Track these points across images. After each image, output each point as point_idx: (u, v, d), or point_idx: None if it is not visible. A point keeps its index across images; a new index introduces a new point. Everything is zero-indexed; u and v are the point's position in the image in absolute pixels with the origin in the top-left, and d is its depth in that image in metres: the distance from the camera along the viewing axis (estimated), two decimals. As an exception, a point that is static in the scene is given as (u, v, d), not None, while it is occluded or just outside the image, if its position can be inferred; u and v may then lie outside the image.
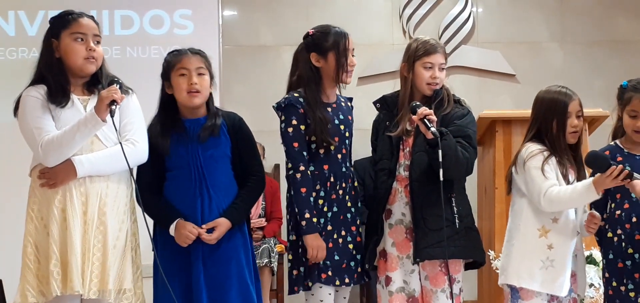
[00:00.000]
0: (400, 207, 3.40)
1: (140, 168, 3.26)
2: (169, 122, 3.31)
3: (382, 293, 3.44)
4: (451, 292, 3.33)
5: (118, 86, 3.14)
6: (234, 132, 3.35)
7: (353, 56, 3.40)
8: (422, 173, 3.33)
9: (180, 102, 3.31)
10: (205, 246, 3.23)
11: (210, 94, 3.35)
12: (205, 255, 3.24)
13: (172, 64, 3.30)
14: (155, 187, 3.30)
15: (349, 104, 3.53)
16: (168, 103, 3.35)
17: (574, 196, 3.26)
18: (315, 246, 3.27)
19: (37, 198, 3.13)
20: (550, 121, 3.37)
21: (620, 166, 3.15)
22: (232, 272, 3.26)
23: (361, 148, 3.54)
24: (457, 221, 3.32)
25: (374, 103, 3.55)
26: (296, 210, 3.30)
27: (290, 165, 3.33)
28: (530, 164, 3.34)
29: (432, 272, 3.36)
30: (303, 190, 3.29)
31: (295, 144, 3.32)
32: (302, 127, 3.32)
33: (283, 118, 3.36)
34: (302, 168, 3.30)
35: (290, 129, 3.33)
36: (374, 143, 3.55)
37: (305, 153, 3.32)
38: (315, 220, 3.28)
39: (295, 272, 3.38)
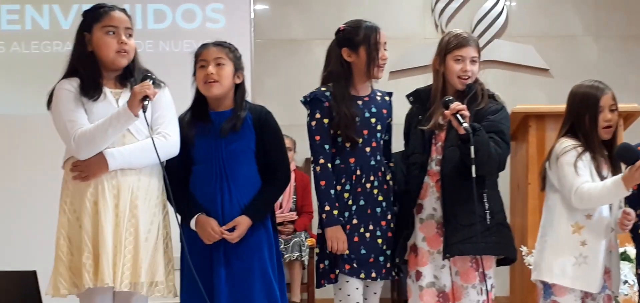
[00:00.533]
0: (431, 202, 3.38)
1: (169, 160, 3.27)
2: (197, 114, 3.34)
3: (413, 287, 3.42)
4: (483, 289, 3.30)
5: (151, 80, 3.16)
6: (259, 125, 3.34)
7: (385, 50, 3.40)
8: (453, 168, 3.31)
9: (205, 95, 3.33)
10: (227, 242, 3.23)
11: (239, 86, 3.35)
12: (228, 251, 3.24)
13: (196, 56, 3.35)
14: (182, 180, 3.31)
15: (386, 98, 3.51)
16: (200, 97, 3.37)
17: (603, 192, 3.23)
18: (335, 238, 3.27)
19: (70, 190, 3.16)
20: (583, 116, 3.34)
21: None
22: (255, 267, 3.26)
23: (392, 142, 3.53)
24: (488, 217, 3.30)
25: (407, 96, 3.54)
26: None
27: (312, 158, 3.36)
28: (563, 160, 3.30)
29: (463, 267, 3.34)
30: (322, 183, 3.31)
31: (317, 138, 3.34)
32: (326, 120, 3.33)
33: (308, 111, 3.39)
34: (321, 161, 3.32)
35: (313, 123, 3.35)
36: (407, 136, 3.53)
37: (327, 146, 3.33)
38: (336, 212, 3.29)
39: (321, 265, 3.40)
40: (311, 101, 3.37)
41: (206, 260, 3.25)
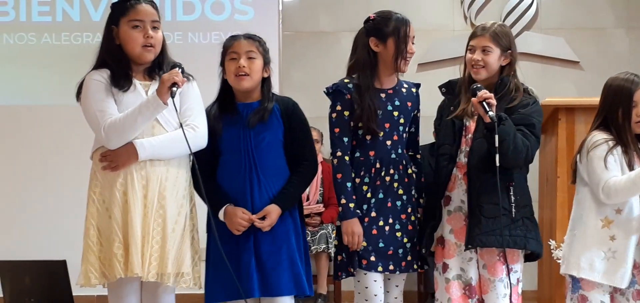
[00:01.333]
0: (459, 194, 3.37)
1: (196, 151, 3.28)
2: (225, 105, 3.35)
3: (439, 279, 3.41)
4: (509, 282, 3.29)
5: (180, 70, 3.17)
6: (287, 117, 3.35)
7: (413, 43, 3.38)
8: (480, 159, 3.29)
9: (233, 87, 3.34)
10: (256, 231, 3.25)
11: (266, 79, 3.36)
12: (257, 240, 3.26)
13: (226, 49, 3.34)
14: (209, 170, 3.32)
15: (413, 90, 3.48)
16: (226, 88, 3.38)
17: (628, 185, 3.20)
18: (350, 232, 3.27)
19: (99, 181, 3.18)
20: (615, 109, 3.30)
21: None
22: (284, 256, 3.28)
23: (420, 134, 3.52)
24: (513, 210, 3.28)
25: (440, 87, 3.52)
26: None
27: (331, 151, 3.37)
28: (593, 154, 3.27)
29: (490, 260, 3.32)
30: (339, 175, 3.31)
31: (336, 130, 3.34)
32: (347, 113, 3.32)
33: (330, 103, 3.38)
34: (339, 153, 3.32)
35: (333, 115, 3.35)
36: (438, 127, 3.52)
37: (345, 139, 3.33)
38: (352, 205, 3.28)
39: (339, 257, 3.39)
40: (333, 93, 3.37)
41: (234, 250, 3.26)
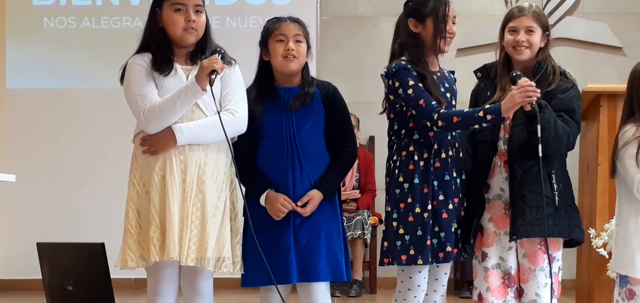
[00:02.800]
0: (498, 182, 3.32)
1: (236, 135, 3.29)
2: (264, 89, 3.34)
3: (478, 268, 3.37)
4: (550, 271, 3.25)
5: (220, 55, 3.17)
6: (328, 102, 3.35)
7: (454, 23, 3.31)
8: (520, 147, 3.25)
9: (276, 69, 3.32)
10: (296, 216, 3.25)
11: (306, 64, 3.35)
12: (296, 225, 3.26)
13: (271, 30, 3.31)
14: (249, 154, 3.32)
15: (452, 75, 3.44)
16: (265, 71, 3.36)
17: None
18: (520, 90, 3.10)
19: (139, 164, 3.20)
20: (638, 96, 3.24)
21: None
22: (322, 242, 3.27)
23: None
24: (557, 198, 3.23)
25: (475, 72, 3.48)
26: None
27: (428, 122, 3.19)
28: (623, 154, 3.21)
29: (531, 249, 3.28)
30: (455, 119, 3.15)
31: (421, 101, 3.20)
32: (421, 84, 3.22)
33: (397, 84, 3.24)
34: (436, 114, 3.15)
35: (410, 91, 3.21)
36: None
37: (434, 103, 3.19)
38: (487, 106, 3.18)
39: (386, 244, 3.33)
40: (397, 72, 3.24)
41: (272, 234, 3.26)
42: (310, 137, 3.30)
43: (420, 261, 3.22)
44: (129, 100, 3.19)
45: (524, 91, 3.10)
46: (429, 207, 3.24)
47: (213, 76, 3.07)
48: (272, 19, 3.36)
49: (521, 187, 3.23)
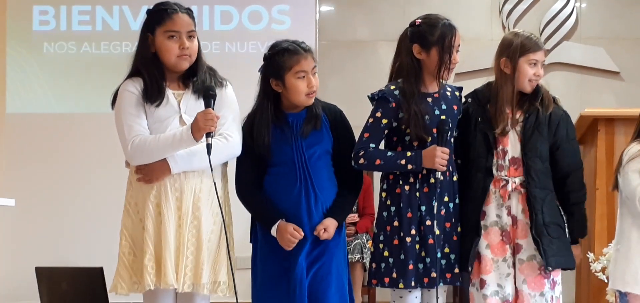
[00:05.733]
0: (494, 208, 3.32)
1: (241, 161, 3.26)
2: (273, 116, 3.26)
3: (476, 296, 3.36)
4: (553, 296, 3.29)
5: (213, 79, 3.17)
6: (335, 128, 3.32)
7: (457, 52, 3.29)
8: (540, 179, 3.28)
9: (292, 102, 3.26)
10: (306, 244, 3.22)
11: None
12: (307, 251, 3.23)
13: (288, 65, 3.20)
14: (257, 182, 3.28)
15: (457, 93, 3.40)
16: (272, 97, 3.28)
17: None
18: (435, 153, 3.18)
19: (134, 191, 3.20)
20: None
21: None
22: (333, 269, 3.26)
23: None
24: (566, 228, 3.35)
25: (466, 97, 3.45)
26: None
27: (353, 154, 3.26)
28: (627, 168, 3.24)
29: (531, 275, 3.28)
30: (377, 161, 3.23)
31: (366, 134, 3.27)
32: (385, 121, 3.26)
33: (373, 108, 3.31)
34: (362, 153, 3.24)
35: (370, 120, 3.29)
36: (462, 138, 3.41)
37: (372, 146, 3.25)
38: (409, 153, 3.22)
39: (374, 265, 3.33)
40: (377, 99, 3.30)
41: (283, 261, 3.22)
42: (321, 165, 3.27)
43: (401, 285, 3.23)
44: (118, 128, 3.18)
45: (444, 159, 3.17)
46: (413, 232, 3.24)
47: (209, 140, 3.04)
48: (284, 49, 3.23)
49: (544, 217, 3.26)
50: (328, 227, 3.24)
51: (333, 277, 3.25)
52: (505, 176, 3.31)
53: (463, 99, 3.45)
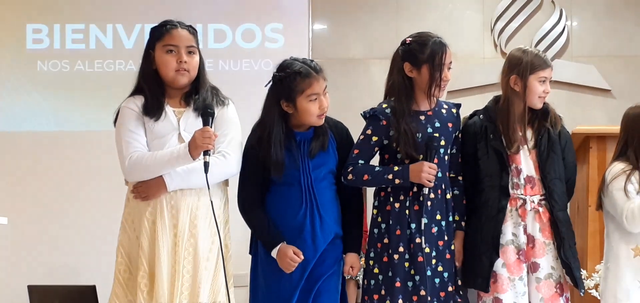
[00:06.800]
0: (511, 227, 3.32)
1: (245, 176, 3.26)
2: (283, 136, 3.23)
3: None
4: None
5: (215, 98, 3.18)
6: (341, 148, 3.31)
7: (449, 69, 3.29)
8: (561, 201, 3.33)
9: (303, 122, 3.24)
10: (312, 264, 3.21)
11: None
12: (313, 273, 3.23)
13: (300, 88, 3.17)
14: (260, 199, 3.26)
15: (453, 110, 3.39)
16: (281, 116, 3.24)
17: None
18: (422, 169, 3.21)
19: (131, 208, 3.21)
20: (634, 135, 3.31)
21: None
22: (334, 284, 3.27)
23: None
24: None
25: (478, 114, 3.43)
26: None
27: (344, 171, 3.29)
28: (612, 187, 3.28)
29: (548, 293, 3.31)
30: (365, 177, 3.25)
31: (356, 151, 3.29)
32: (375, 138, 3.28)
33: (364, 126, 3.33)
34: (351, 169, 3.26)
35: (361, 137, 3.31)
36: (469, 151, 3.40)
37: (361, 162, 3.27)
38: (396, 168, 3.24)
39: (365, 282, 3.36)
40: (369, 117, 3.32)
41: (285, 280, 3.21)
42: (326, 186, 3.27)
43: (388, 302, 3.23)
44: (117, 144, 3.20)
45: (431, 174, 3.18)
46: (402, 250, 3.24)
47: (207, 158, 3.04)
48: (297, 72, 3.19)
49: (569, 241, 3.32)
50: (353, 264, 3.29)
51: (332, 290, 3.26)
52: (522, 194, 3.32)
53: (471, 114, 3.47)
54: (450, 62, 3.30)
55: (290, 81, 3.19)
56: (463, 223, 3.38)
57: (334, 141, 3.30)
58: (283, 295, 3.21)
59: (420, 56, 3.25)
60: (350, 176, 3.27)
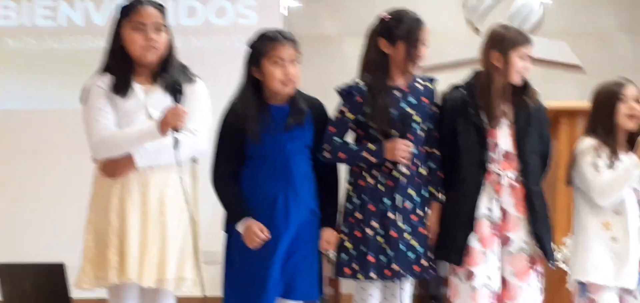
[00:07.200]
0: (485, 201, 3.33)
1: (219, 151, 3.26)
2: (257, 106, 3.24)
3: (461, 287, 3.35)
4: (539, 287, 3.37)
5: (184, 75, 3.17)
6: (317, 123, 3.30)
7: (425, 46, 3.30)
8: (536, 176, 3.34)
9: (270, 90, 3.25)
10: (287, 238, 3.21)
11: None
12: (289, 245, 3.22)
13: (265, 50, 3.21)
14: (233, 173, 3.25)
15: (429, 84, 3.38)
16: (254, 86, 3.26)
17: (618, 174, 3.26)
18: (396, 146, 3.22)
19: (100, 185, 3.19)
20: (602, 110, 3.36)
21: None
22: (311, 260, 3.27)
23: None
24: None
25: (462, 89, 3.41)
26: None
27: (321, 147, 3.30)
28: (582, 162, 3.34)
29: (519, 266, 3.33)
30: (341, 154, 3.26)
31: (332, 129, 3.29)
32: (351, 116, 3.28)
33: (339, 102, 3.33)
34: (327, 146, 3.27)
35: (337, 114, 3.31)
36: (447, 126, 3.39)
37: (337, 139, 3.28)
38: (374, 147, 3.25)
39: (338, 256, 3.35)
40: (343, 94, 3.32)
41: (261, 256, 3.19)
42: (301, 160, 3.26)
43: (360, 276, 3.25)
44: (85, 122, 3.18)
45: (405, 151, 3.19)
46: (375, 224, 3.25)
47: (176, 135, 3.03)
48: (265, 35, 3.26)
49: (542, 214, 3.33)
50: (329, 239, 3.28)
51: (310, 270, 3.27)
52: (498, 169, 3.33)
53: (451, 88, 3.46)
54: (427, 39, 3.31)
55: (257, 44, 3.25)
56: (439, 195, 3.38)
57: (311, 116, 3.29)
58: (259, 271, 3.20)
59: (396, 32, 3.26)
60: (327, 154, 3.28)
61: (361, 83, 3.31)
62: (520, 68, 3.31)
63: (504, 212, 3.33)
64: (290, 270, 3.22)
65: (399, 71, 3.31)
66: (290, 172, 3.22)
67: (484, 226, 3.32)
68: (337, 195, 3.38)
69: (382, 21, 3.31)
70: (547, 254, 3.31)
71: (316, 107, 3.34)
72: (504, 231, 3.33)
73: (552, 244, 4.03)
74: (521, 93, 3.34)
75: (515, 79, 3.32)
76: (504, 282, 3.34)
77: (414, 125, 3.29)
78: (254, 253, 3.19)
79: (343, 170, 3.41)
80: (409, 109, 3.29)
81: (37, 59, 6.22)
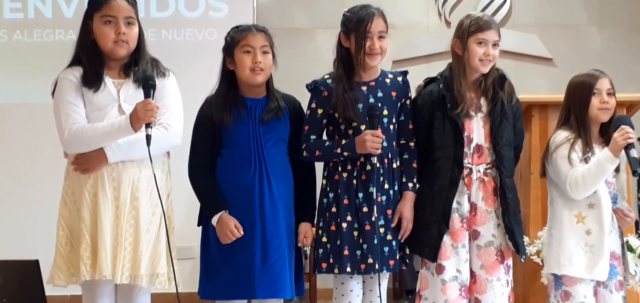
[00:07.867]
0: (456, 195, 3.34)
1: (195, 143, 3.26)
2: (231, 98, 3.28)
3: (431, 280, 3.37)
4: (508, 280, 3.37)
5: (155, 70, 3.15)
6: (294, 118, 3.33)
7: (381, 38, 3.28)
8: (509, 168, 3.35)
9: (241, 80, 3.28)
10: (264, 232, 3.21)
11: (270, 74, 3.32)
12: (267, 240, 3.22)
13: (237, 40, 3.27)
14: (209, 166, 3.26)
15: (399, 78, 3.39)
16: (229, 78, 3.31)
17: (592, 168, 3.28)
18: (366, 138, 3.20)
19: (71, 181, 3.16)
20: (576, 102, 3.39)
21: (629, 129, 3.21)
22: (288, 258, 3.26)
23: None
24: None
25: (438, 83, 3.39)
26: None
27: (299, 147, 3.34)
28: (556, 155, 3.36)
29: (488, 260, 3.34)
30: (317, 152, 3.29)
31: (306, 127, 3.33)
32: (320, 111, 3.31)
33: (309, 99, 3.36)
34: (305, 146, 3.31)
35: (308, 112, 3.34)
36: (424, 119, 3.38)
37: (313, 137, 3.31)
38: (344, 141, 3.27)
39: (314, 251, 3.37)
40: (311, 90, 3.35)
41: (235, 247, 3.20)
42: (276, 150, 3.28)
43: (336, 271, 3.26)
44: (55, 116, 3.15)
45: (375, 142, 3.19)
46: (349, 219, 3.27)
47: (149, 131, 3.01)
48: (238, 27, 3.32)
49: (514, 207, 3.34)
50: (306, 233, 3.30)
51: (288, 268, 3.26)
52: (469, 163, 3.34)
53: (426, 82, 3.47)
54: (381, 31, 3.29)
55: (230, 36, 3.30)
56: (413, 185, 3.36)
57: (288, 111, 3.32)
58: (242, 266, 3.20)
59: (349, 25, 3.30)
60: (304, 153, 3.32)
61: (327, 77, 3.34)
62: (480, 54, 3.30)
63: (473, 206, 3.34)
64: (269, 267, 3.22)
65: (360, 65, 3.31)
66: (265, 161, 3.23)
67: (454, 220, 3.34)
68: (314, 191, 3.39)
69: (343, 16, 3.35)
70: (519, 248, 3.33)
71: (293, 104, 3.36)
72: (473, 225, 3.35)
73: (524, 237, 4.08)
74: (498, 87, 3.35)
75: (477, 66, 3.31)
76: (473, 275, 3.36)
77: (383, 119, 3.31)
78: (235, 246, 3.19)
79: (319, 166, 3.41)
80: (375, 103, 3.30)
81: (5, 53, 6.14)
